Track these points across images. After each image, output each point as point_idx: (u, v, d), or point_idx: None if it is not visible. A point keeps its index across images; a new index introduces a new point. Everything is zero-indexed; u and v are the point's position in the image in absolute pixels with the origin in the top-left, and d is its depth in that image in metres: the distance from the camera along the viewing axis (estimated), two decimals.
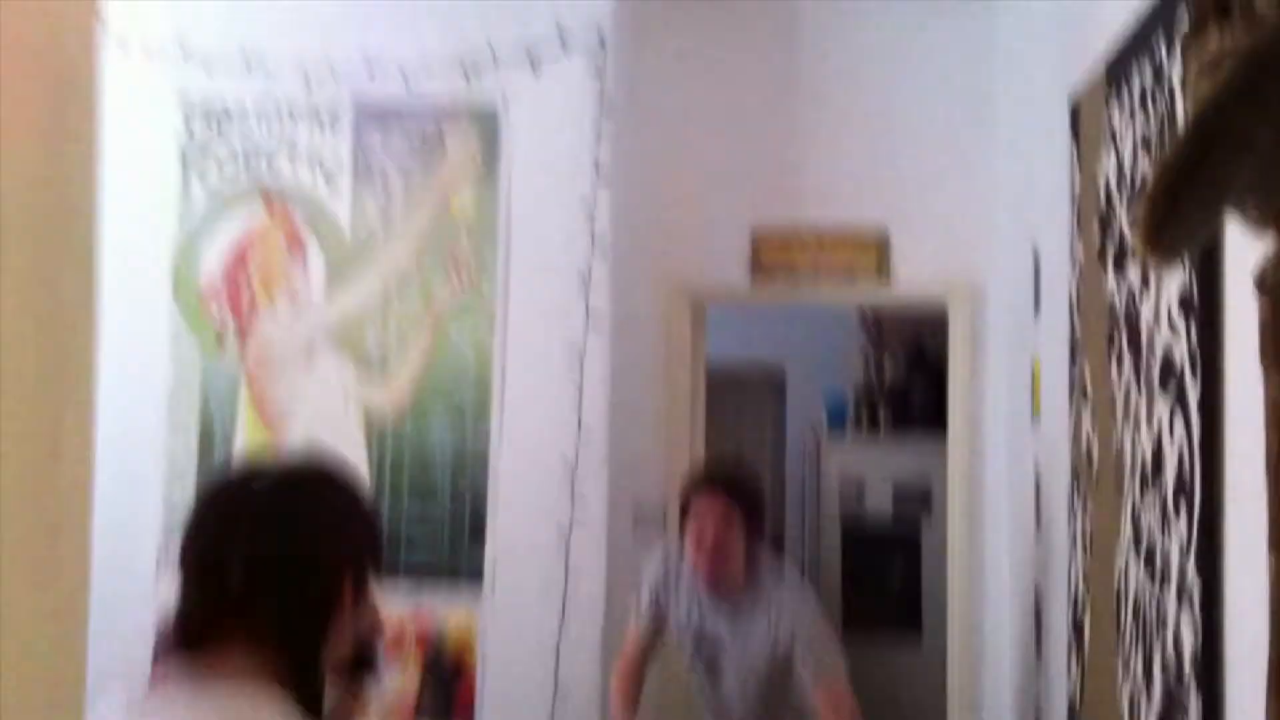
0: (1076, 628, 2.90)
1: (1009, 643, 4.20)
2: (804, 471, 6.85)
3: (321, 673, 1.58)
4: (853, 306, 6.53)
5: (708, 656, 3.65)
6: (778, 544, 6.58)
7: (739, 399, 7.63)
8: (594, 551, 4.10)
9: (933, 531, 5.74)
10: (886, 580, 6.07)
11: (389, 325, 4.25)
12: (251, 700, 1.50)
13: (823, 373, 6.89)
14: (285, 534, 1.58)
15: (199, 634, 1.55)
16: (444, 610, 4.13)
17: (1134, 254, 2.32)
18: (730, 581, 3.52)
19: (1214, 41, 1.40)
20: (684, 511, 3.56)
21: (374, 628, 1.71)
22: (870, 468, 6.13)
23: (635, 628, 3.74)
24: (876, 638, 5.88)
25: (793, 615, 3.47)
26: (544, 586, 4.08)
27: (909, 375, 6.43)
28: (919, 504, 6.00)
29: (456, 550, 4.16)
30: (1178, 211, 1.38)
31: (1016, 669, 4.07)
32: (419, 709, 4.10)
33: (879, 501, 6.09)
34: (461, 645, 4.11)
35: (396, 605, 4.08)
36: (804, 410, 7.11)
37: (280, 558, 1.56)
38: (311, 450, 1.80)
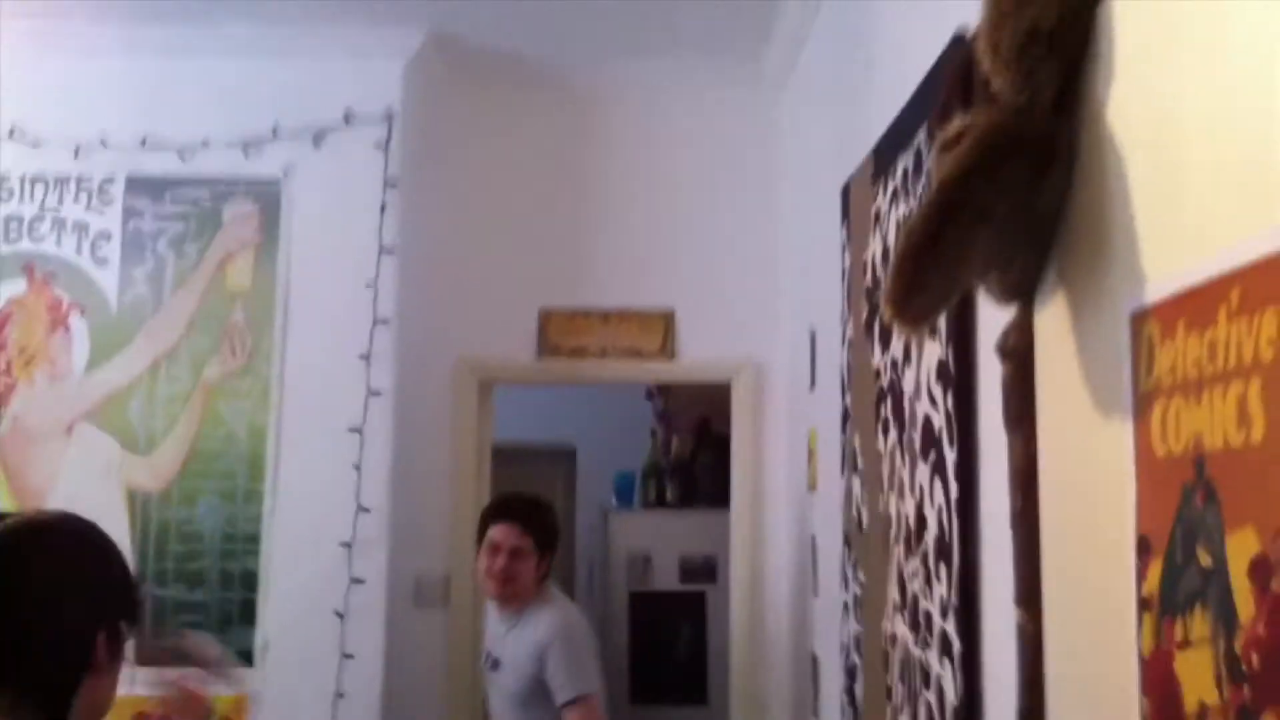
0: (849, 691, 2.97)
1: (787, 711, 4.27)
2: (592, 546, 6.86)
3: None
4: (642, 386, 6.64)
5: (490, 678, 3.70)
6: None
7: (528, 476, 7.60)
8: (371, 631, 4.03)
9: (718, 602, 5.81)
10: (673, 652, 6.11)
11: (156, 401, 4.10)
12: None
13: (612, 450, 6.96)
14: (26, 581, 1.44)
15: None
16: (212, 695, 3.94)
17: (888, 324, 2.43)
18: (517, 604, 3.59)
19: (956, 122, 1.49)
20: (480, 537, 3.65)
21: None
22: (657, 541, 6.18)
23: None
24: (663, 709, 5.91)
25: (549, 632, 3.52)
26: (318, 669, 3.97)
27: (695, 452, 6.54)
28: (704, 576, 6.08)
29: (225, 634, 3.99)
30: (923, 280, 1.45)
31: None
32: None
33: (666, 574, 6.15)
34: None
35: (158, 690, 3.89)
36: (594, 486, 7.16)
37: (23, 606, 1.43)
38: (63, 511, 1.62)
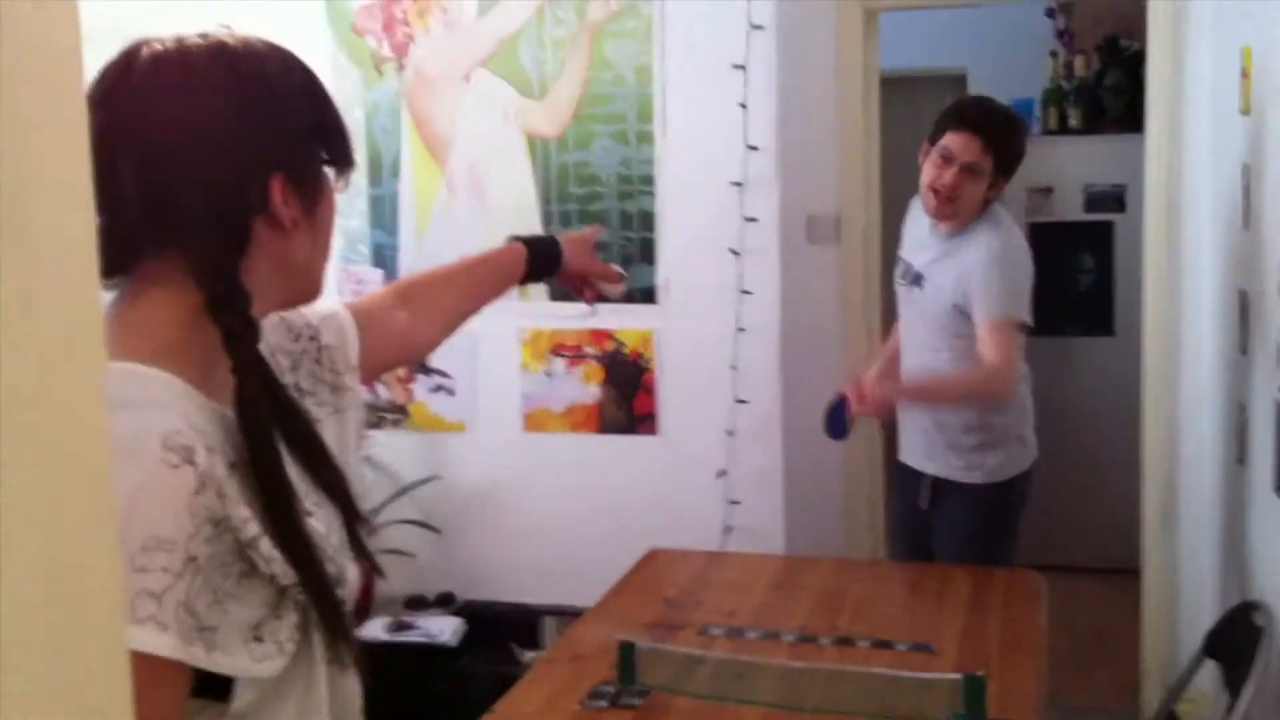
0: None
1: (1209, 342, 4.04)
2: None
3: (243, 308, 1.18)
4: (1040, 2, 6.13)
5: (906, 292, 3.49)
6: None
7: (917, 105, 7.31)
8: (767, 269, 4.05)
9: (1127, 232, 5.48)
10: (1076, 283, 5.87)
11: (544, 46, 4.12)
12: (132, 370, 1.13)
13: (1007, 74, 6.52)
14: (177, 108, 1.19)
15: (109, 263, 1.14)
16: (620, 330, 4.16)
17: None
18: (954, 222, 3.33)
19: None
20: (934, 137, 3.32)
21: None
22: (1059, 170, 5.83)
23: None
24: (1066, 340, 5.77)
25: (986, 251, 3.25)
26: (718, 304, 4.06)
27: (1101, 73, 6.02)
28: (1112, 205, 5.73)
29: (628, 273, 4.12)
30: None
31: (1217, 367, 3.92)
32: (602, 422, 4.19)
33: (1068, 204, 5.83)
34: (639, 362, 4.15)
35: (571, 324, 4.16)
36: None
37: (169, 141, 1.18)
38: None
